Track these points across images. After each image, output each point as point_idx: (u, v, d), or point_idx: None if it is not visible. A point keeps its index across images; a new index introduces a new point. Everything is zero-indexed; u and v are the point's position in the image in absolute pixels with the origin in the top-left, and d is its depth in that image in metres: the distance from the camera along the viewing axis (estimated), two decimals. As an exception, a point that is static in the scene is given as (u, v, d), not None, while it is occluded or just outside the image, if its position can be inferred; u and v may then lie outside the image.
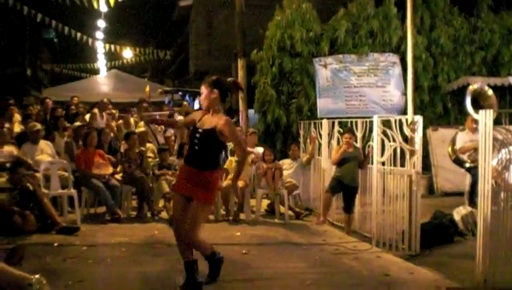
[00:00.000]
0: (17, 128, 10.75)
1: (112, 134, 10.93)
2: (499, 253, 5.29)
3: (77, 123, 10.90)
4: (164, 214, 9.06)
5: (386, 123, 7.53)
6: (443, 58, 13.02)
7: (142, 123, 11.05)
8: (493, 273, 5.25)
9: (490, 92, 8.55)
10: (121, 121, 12.07)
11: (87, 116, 12.01)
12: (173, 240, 7.18)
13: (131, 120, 12.02)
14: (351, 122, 9.08)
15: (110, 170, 9.22)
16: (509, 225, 5.31)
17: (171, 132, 11.54)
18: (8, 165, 8.25)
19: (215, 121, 4.83)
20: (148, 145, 10.48)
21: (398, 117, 7.55)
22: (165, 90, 20.49)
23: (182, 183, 4.93)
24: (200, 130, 4.86)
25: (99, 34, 27.93)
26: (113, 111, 12.99)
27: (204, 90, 4.99)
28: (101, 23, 27.33)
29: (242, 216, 9.07)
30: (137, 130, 10.64)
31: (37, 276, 3.26)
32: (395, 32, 12.58)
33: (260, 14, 14.32)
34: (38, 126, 9.58)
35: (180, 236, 4.95)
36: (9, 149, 8.91)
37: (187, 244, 4.97)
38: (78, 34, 19.62)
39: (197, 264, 4.99)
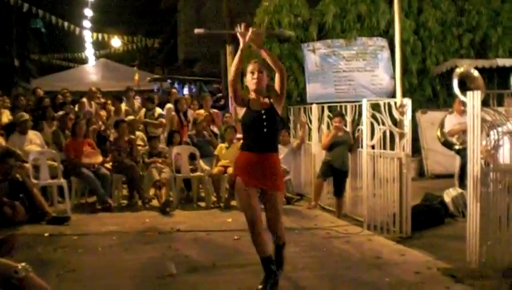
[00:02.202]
0: (5, 118, 10.68)
1: (100, 123, 10.90)
2: (489, 234, 5.32)
3: (60, 112, 10.85)
4: (155, 202, 9.06)
5: (375, 107, 7.52)
6: (431, 41, 13.01)
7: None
8: (483, 254, 5.29)
9: (476, 73, 8.57)
10: (112, 108, 12.00)
11: (76, 106, 11.95)
12: (164, 227, 7.26)
13: (123, 108, 11.96)
14: (341, 106, 9.07)
15: (100, 158, 9.19)
16: (499, 206, 5.34)
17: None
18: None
19: (266, 101, 4.64)
20: (137, 133, 10.46)
21: (387, 100, 7.54)
22: (154, 78, 20.42)
23: (253, 175, 4.58)
24: (263, 111, 4.56)
25: (87, 23, 27.74)
26: (102, 100, 12.90)
27: (259, 72, 4.70)
28: (88, 12, 27.15)
29: (233, 202, 9.07)
30: (127, 118, 10.61)
31: (23, 264, 3.24)
32: (383, 16, 12.55)
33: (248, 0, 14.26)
34: (26, 116, 9.52)
35: (259, 233, 4.59)
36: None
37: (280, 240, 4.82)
38: (66, 24, 19.48)
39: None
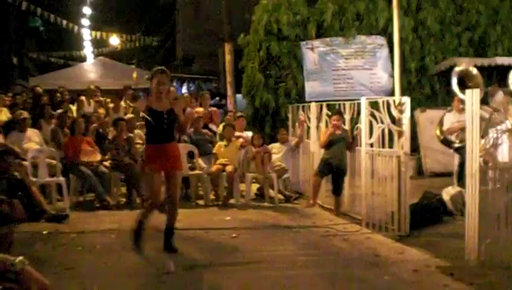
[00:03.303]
0: (4, 116, 10.67)
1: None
2: (488, 232, 5.32)
3: (59, 110, 10.84)
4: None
5: (374, 105, 7.52)
6: (430, 40, 13.01)
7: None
8: (482, 252, 5.29)
9: (475, 71, 8.56)
10: (111, 105, 11.98)
11: (73, 105, 11.93)
12: (162, 225, 7.21)
13: (122, 106, 11.95)
14: (339, 104, 9.07)
15: (98, 157, 9.18)
16: (498, 204, 5.34)
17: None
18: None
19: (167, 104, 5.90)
20: (136, 131, 10.43)
21: (385, 99, 7.54)
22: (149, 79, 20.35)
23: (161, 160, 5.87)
24: (165, 113, 5.83)
25: (85, 21, 27.71)
26: (101, 98, 12.88)
27: (165, 79, 5.95)
28: (87, 10, 27.13)
29: (232, 201, 9.09)
30: (126, 116, 10.60)
31: (20, 258, 3.24)
32: (382, 14, 12.53)
33: (247, -2, 14.25)
34: (25, 114, 9.52)
35: (156, 206, 5.97)
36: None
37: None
38: (64, 22, 19.47)
39: None
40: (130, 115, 10.74)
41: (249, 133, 10.33)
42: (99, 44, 29.97)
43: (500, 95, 10.58)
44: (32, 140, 9.29)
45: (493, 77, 12.33)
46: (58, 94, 12.66)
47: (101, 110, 11.91)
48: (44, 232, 6.90)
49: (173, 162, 5.95)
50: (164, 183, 6.00)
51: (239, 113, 10.88)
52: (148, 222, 5.92)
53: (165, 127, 5.84)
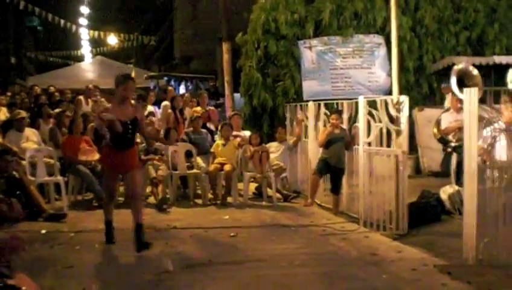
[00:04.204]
0: (2, 116, 10.66)
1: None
2: (486, 231, 5.33)
3: (57, 110, 10.84)
4: (152, 199, 9.04)
5: (372, 104, 7.53)
6: (428, 39, 13.00)
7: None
8: (480, 251, 5.30)
9: (475, 71, 8.56)
10: (108, 105, 11.97)
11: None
12: (161, 224, 7.27)
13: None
14: (337, 103, 9.07)
15: (97, 156, 9.16)
16: (496, 203, 5.35)
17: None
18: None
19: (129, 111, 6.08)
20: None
21: (383, 97, 7.54)
22: (150, 76, 20.38)
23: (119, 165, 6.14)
24: (128, 121, 5.96)
25: (83, 21, 27.69)
26: (99, 97, 12.85)
27: (132, 86, 6.18)
28: (85, 10, 27.11)
29: (230, 200, 9.09)
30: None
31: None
32: (380, 13, 12.52)
33: (244, -3, 14.25)
34: (23, 114, 9.52)
35: (112, 202, 6.57)
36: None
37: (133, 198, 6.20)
38: (62, 21, 19.44)
39: None
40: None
41: (247, 133, 10.33)
42: (97, 43, 29.94)
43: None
44: (30, 139, 9.29)
45: (491, 75, 12.34)
46: (56, 94, 12.64)
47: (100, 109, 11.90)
48: (43, 232, 6.90)
49: (130, 164, 6.15)
50: (124, 181, 6.51)
51: (234, 112, 10.87)
52: (112, 216, 6.47)
53: (129, 136, 6.05)
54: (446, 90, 10.86)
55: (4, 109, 10.95)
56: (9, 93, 12.95)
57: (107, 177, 6.40)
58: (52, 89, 13.73)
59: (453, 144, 8.94)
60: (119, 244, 6.31)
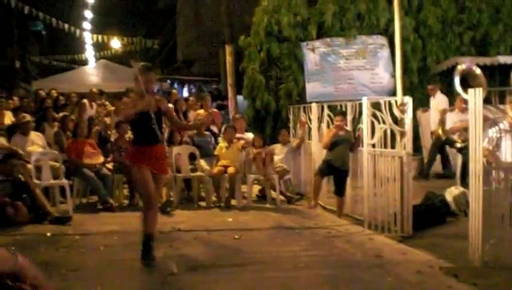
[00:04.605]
0: (8, 120, 10.69)
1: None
2: (492, 232, 5.31)
3: (61, 114, 10.88)
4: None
5: (376, 105, 7.51)
6: (431, 39, 13.00)
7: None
8: (486, 253, 5.27)
9: (478, 71, 8.57)
10: (111, 108, 12.02)
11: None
12: (165, 227, 7.24)
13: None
14: (341, 105, 9.07)
15: (101, 159, 9.21)
16: (501, 204, 5.33)
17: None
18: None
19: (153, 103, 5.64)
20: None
21: (387, 99, 7.53)
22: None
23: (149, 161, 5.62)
24: (151, 112, 5.57)
25: (87, 25, 27.75)
26: (103, 101, 12.86)
27: (153, 77, 5.81)
28: (88, 14, 27.17)
29: (233, 202, 9.08)
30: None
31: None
32: (383, 14, 12.53)
33: (247, 0, 14.26)
34: (28, 117, 9.54)
35: (154, 207, 5.78)
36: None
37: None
38: (66, 25, 19.50)
39: None
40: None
41: (250, 135, 10.33)
42: (100, 47, 30.00)
43: (440, 96, 10.64)
44: (36, 143, 9.31)
45: (496, 76, 12.32)
46: (61, 97, 12.68)
47: (104, 113, 11.94)
48: (48, 234, 6.90)
49: (161, 162, 5.78)
50: None
51: (237, 115, 10.89)
52: (153, 228, 5.66)
53: (153, 128, 5.58)
54: (432, 91, 10.86)
55: (9, 113, 10.98)
56: (15, 98, 12.99)
57: (140, 179, 5.60)
58: (54, 92, 13.75)
59: (458, 145, 8.94)
60: (124, 246, 6.31)
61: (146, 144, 5.62)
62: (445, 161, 10.61)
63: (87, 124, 9.88)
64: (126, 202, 9.25)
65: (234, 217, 8.12)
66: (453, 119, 9.15)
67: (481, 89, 5.40)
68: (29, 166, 8.48)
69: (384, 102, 7.30)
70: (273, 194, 9.31)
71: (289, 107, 11.47)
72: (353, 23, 12.61)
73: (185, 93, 22.75)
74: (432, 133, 10.43)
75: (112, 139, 10.11)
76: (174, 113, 6.01)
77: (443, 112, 10.43)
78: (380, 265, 5.49)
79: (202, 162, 9.56)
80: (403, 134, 7.05)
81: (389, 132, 7.20)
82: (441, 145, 10.28)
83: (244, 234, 6.90)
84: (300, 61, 12.47)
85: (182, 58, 27.65)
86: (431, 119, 10.27)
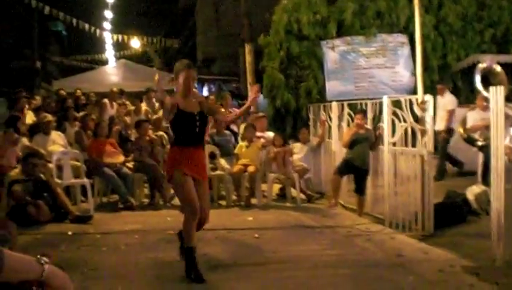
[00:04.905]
0: (29, 120, 10.82)
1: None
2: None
3: (81, 113, 10.99)
4: (176, 201, 9.07)
5: (396, 104, 7.48)
6: (452, 37, 12.88)
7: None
8: (508, 252, 5.22)
9: (499, 68, 8.47)
10: (132, 108, 12.11)
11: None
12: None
13: (143, 108, 12.08)
14: (361, 104, 9.03)
15: (122, 158, 9.27)
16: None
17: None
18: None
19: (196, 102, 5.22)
20: (160, 133, 10.47)
21: (408, 97, 7.49)
22: (174, 78, 20.46)
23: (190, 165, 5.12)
24: (195, 113, 5.12)
25: (107, 25, 27.97)
26: (123, 100, 12.94)
27: (194, 74, 5.25)
28: (109, 14, 27.38)
29: (254, 201, 9.09)
30: (153, 117, 10.76)
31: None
32: (403, 12, 12.44)
33: (266, -2, 14.27)
34: (49, 117, 9.65)
35: (196, 221, 5.09)
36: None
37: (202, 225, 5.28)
38: (86, 26, 19.67)
39: None
40: (156, 116, 10.85)
41: (271, 134, 10.33)
42: (120, 47, 30.25)
43: (448, 95, 10.54)
44: (57, 142, 9.41)
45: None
46: (82, 97, 12.81)
47: (125, 111, 12.02)
48: (69, 233, 6.98)
49: (202, 167, 5.30)
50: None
51: (261, 114, 10.89)
52: (195, 241, 5.13)
53: (197, 130, 5.13)
54: (441, 91, 10.78)
55: (31, 113, 11.11)
56: (38, 97, 13.15)
57: (182, 187, 5.06)
58: (78, 92, 13.89)
59: (479, 143, 8.85)
60: (144, 245, 6.36)
61: (189, 145, 5.14)
62: (451, 159, 10.65)
63: (108, 123, 9.96)
64: (146, 201, 9.30)
65: (254, 216, 8.13)
66: (474, 118, 9.06)
67: (502, 87, 5.34)
68: (51, 165, 8.57)
69: (405, 100, 7.27)
70: (293, 192, 9.30)
71: (309, 106, 11.46)
72: (373, 21, 12.54)
73: (205, 93, 22.83)
74: (438, 132, 10.28)
75: (132, 138, 10.18)
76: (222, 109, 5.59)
77: (451, 112, 10.41)
78: (401, 264, 5.47)
79: (222, 161, 9.58)
80: (423, 132, 7.01)
81: (409, 130, 7.16)
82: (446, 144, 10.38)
83: (264, 233, 6.91)
84: (320, 59, 12.44)
85: (202, 58, 27.73)
86: (437, 118, 10.19)
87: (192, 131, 5.11)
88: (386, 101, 7.41)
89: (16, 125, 9.34)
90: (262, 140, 9.79)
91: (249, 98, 5.61)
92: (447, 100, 10.69)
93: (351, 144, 8.29)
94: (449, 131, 10.40)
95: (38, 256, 1.77)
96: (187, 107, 5.09)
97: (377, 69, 12.34)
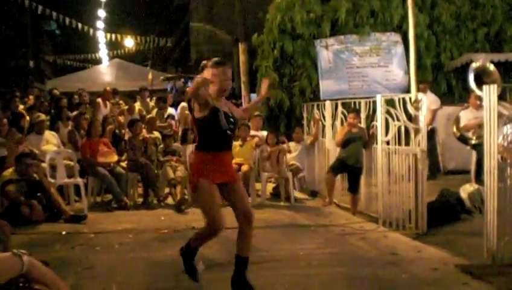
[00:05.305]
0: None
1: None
2: (507, 230, 5.27)
3: (75, 112, 10.96)
4: (170, 200, 9.08)
5: (390, 102, 7.49)
6: (445, 36, 12.92)
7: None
8: (501, 250, 5.24)
9: (492, 67, 8.49)
10: (126, 107, 12.09)
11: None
12: (179, 225, 7.27)
13: (136, 107, 12.06)
14: (355, 102, 9.04)
15: (115, 158, 9.26)
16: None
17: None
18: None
19: (226, 104, 4.72)
20: (155, 133, 10.44)
21: (401, 96, 7.51)
22: (167, 77, 20.45)
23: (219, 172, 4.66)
24: (230, 114, 4.61)
25: (100, 24, 27.91)
26: (117, 100, 12.90)
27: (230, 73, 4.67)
28: (102, 13, 27.32)
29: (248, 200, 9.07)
30: (147, 117, 10.74)
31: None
32: (396, 11, 12.46)
33: (260, -3, 14.26)
34: (43, 117, 9.63)
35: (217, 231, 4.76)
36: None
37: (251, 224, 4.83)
38: (79, 25, 19.62)
39: None
40: (150, 115, 10.84)
41: (264, 133, 10.34)
42: (114, 46, 30.17)
43: (431, 95, 10.58)
44: (50, 142, 9.39)
45: (510, 72, 12.21)
46: (76, 96, 12.78)
47: (118, 111, 12.00)
48: (63, 233, 6.96)
49: (231, 173, 4.85)
50: (227, 200, 4.94)
51: (256, 113, 10.89)
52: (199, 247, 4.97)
53: (229, 132, 4.58)
54: (423, 90, 10.79)
55: (24, 113, 11.06)
56: (31, 97, 13.11)
57: (206, 200, 4.74)
58: (55, 92, 13.93)
59: (472, 142, 8.88)
60: (138, 244, 6.35)
61: (221, 149, 4.62)
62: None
63: (101, 122, 9.93)
64: (140, 200, 9.29)
65: (248, 215, 8.11)
66: (467, 117, 9.08)
67: (495, 85, 5.36)
68: (44, 165, 8.55)
69: (398, 99, 7.28)
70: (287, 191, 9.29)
71: (303, 105, 11.47)
72: (367, 20, 12.55)
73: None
74: None
75: (126, 137, 10.16)
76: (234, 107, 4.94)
77: (435, 112, 10.46)
78: (395, 262, 5.48)
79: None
80: (417, 131, 7.02)
81: (403, 129, 7.18)
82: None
83: (258, 232, 6.86)
84: (313, 58, 12.44)
85: (195, 57, 27.69)
86: None
87: (225, 132, 4.53)
88: (379, 99, 7.42)
89: (19, 124, 9.34)
90: (256, 139, 9.79)
91: (262, 90, 5.28)
92: (431, 100, 10.71)
93: (345, 143, 8.31)
94: (432, 131, 10.40)
95: (14, 250, 1.77)
96: (221, 106, 4.55)
97: (370, 68, 12.35)
